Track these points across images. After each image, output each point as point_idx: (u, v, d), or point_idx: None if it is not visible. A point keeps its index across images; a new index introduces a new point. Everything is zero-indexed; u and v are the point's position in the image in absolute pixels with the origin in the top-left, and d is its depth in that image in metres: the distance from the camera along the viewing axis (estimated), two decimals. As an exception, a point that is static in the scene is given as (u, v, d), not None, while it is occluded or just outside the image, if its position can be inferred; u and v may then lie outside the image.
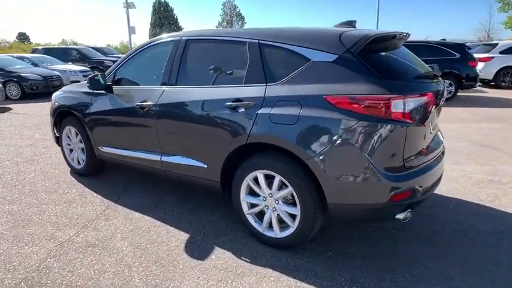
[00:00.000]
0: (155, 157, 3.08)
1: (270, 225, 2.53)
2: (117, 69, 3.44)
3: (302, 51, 2.32)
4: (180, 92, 2.85)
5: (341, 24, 2.82)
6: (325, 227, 2.67)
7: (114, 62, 13.59)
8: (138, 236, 2.73)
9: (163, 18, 45.46)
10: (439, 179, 2.57)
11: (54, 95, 4.14)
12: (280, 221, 2.49)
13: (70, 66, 13.74)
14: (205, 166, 2.74)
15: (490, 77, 11.70)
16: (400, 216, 2.16)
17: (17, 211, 3.15)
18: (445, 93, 2.65)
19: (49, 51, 16.82)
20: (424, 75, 2.41)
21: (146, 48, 3.30)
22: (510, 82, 11.71)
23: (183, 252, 2.51)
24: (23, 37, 63.34)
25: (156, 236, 2.74)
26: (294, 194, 2.31)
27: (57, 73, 11.77)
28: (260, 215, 2.60)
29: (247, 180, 2.54)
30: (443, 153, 2.70)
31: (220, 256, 2.46)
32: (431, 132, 2.47)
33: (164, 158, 3.01)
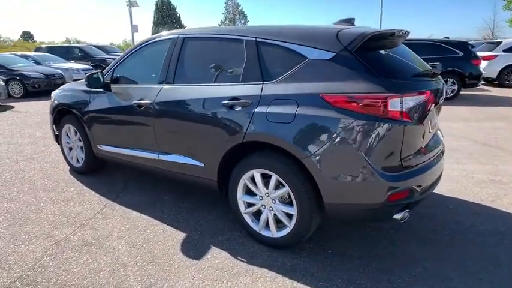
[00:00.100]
0: (152, 156, 3.07)
1: (267, 225, 2.51)
2: (115, 68, 3.43)
3: (299, 49, 2.29)
4: (177, 91, 2.84)
5: (340, 22, 2.79)
6: (322, 226, 2.65)
7: (116, 60, 13.58)
8: (135, 235, 2.72)
9: (166, 16, 45.50)
10: (439, 178, 2.53)
11: (54, 93, 4.14)
12: (277, 221, 2.46)
13: (72, 65, 13.79)
14: (202, 165, 2.72)
15: (494, 75, 11.59)
16: (397, 216, 2.13)
17: (15, 209, 3.15)
18: (445, 92, 2.61)
19: (52, 49, 16.87)
20: (423, 74, 2.38)
21: (144, 46, 3.28)
22: (514, 81, 11.62)
23: (179, 251, 2.50)
24: (27, 36, 63.64)
25: (152, 235, 2.72)
26: (291, 193, 2.29)
27: (60, 71, 11.82)
28: (257, 215, 2.58)
29: (244, 180, 2.52)
30: (442, 152, 2.67)
31: (217, 256, 2.44)
32: (430, 131, 2.44)
33: (161, 157, 3.00)
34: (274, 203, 2.43)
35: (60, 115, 4.04)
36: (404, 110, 2.02)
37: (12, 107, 8.97)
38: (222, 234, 2.72)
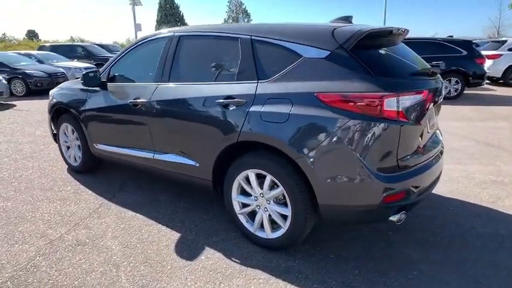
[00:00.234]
0: (148, 155, 3.04)
1: (262, 226, 2.47)
2: (111, 66, 3.41)
3: (294, 48, 2.25)
4: (173, 89, 2.81)
5: (337, 20, 2.74)
6: (318, 227, 2.60)
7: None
8: (129, 235, 2.70)
9: (169, 15, 45.52)
10: (437, 179, 2.48)
11: (52, 92, 4.13)
12: (272, 222, 2.43)
13: (75, 63, 13.81)
14: (197, 165, 2.69)
15: (499, 74, 11.45)
16: (393, 218, 2.09)
17: (10, 208, 3.14)
18: (444, 91, 2.56)
19: (55, 48, 16.92)
20: (421, 72, 2.33)
21: (140, 44, 3.26)
22: (519, 80, 11.48)
23: (172, 252, 2.47)
24: (32, 34, 63.95)
25: (147, 235, 2.70)
26: (285, 194, 2.25)
27: (62, 70, 11.84)
28: (252, 215, 2.55)
29: (239, 180, 2.49)
30: (441, 152, 2.61)
31: (210, 257, 2.41)
32: (428, 131, 2.39)
33: (157, 156, 2.97)
34: (268, 204, 2.39)
35: (58, 114, 4.02)
36: (400, 109, 1.98)
37: (14, 106, 8.99)
38: (217, 234, 2.69)
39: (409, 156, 2.14)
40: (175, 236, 2.68)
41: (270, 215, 2.41)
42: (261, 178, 2.39)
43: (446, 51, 9.08)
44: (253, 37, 2.44)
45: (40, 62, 12.80)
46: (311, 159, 2.08)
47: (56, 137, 4.20)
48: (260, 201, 2.43)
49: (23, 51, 15.25)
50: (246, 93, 2.35)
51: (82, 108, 3.56)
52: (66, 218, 2.96)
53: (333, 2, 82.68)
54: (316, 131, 2.06)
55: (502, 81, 11.66)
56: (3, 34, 58.50)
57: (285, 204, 2.30)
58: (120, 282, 2.16)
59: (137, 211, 3.08)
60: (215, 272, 2.24)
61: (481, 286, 2.09)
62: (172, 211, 3.08)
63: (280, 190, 2.28)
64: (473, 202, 3.18)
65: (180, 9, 47.15)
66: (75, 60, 15.17)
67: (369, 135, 1.97)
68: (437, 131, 2.77)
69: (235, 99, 2.37)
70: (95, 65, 14.76)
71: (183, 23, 45.86)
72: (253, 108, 2.28)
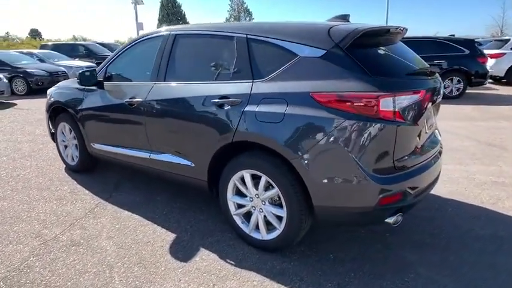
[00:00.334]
0: (144, 155, 3.02)
1: (257, 227, 2.45)
2: (108, 65, 3.39)
3: (290, 46, 2.22)
4: (168, 89, 2.78)
5: (334, 18, 2.71)
6: (315, 228, 2.58)
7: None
8: (124, 235, 2.68)
9: (171, 14, 45.48)
10: (435, 180, 2.45)
11: (50, 91, 4.12)
12: (267, 223, 2.40)
13: (76, 62, 13.83)
14: (192, 165, 2.66)
15: (502, 73, 11.35)
16: (389, 220, 2.05)
17: (6, 208, 3.13)
18: (442, 91, 2.52)
19: (57, 47, 16.94)
20: (419, 72, 2.29)
21: (137, 43, 3.23)
22: (522, 79, 11.38)
23: (167, 253, 2.45)
24: (35, 33, 64.15)
25: (142, 235, 2.68)
26: (280, 195, 2.22)
27: (63, 69, 11.85)
28: (247, 216, 2.52)
29: (234, 180, 2.46)
30: (440, 152, 2.57)
31: (205, 258, 2.39)
32: (426, 132, 2.35)
33: (153, 156, 2.95)
34: (264, 205, 2.36)
35: (56, 113, 4.01)
36: (397, 109, 1.94)
37: (15, 104, 9.01)
38: (213, 235, 2.66)
39: (406, 157, 2.11)
40: (171, 236, 2.66)
41: (265, 216, 2.38)
42: (256, 179, 2.37)
43: (448, 50, 9.01)
44: (248, 36, 2.41)
45: (41, 60, 12.81)
46: (306, 160, 2.05)
47: (53, 136, 4.19)
48: (255, 202, 2.40)
49: (25, 50, 15.29)
50: (241, 92, 2.32)
51: (79, 108, 3.54)
52: (62, 218, 2.94)
53: (334, 1, 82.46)
54: (311, 131, 2.03)
55: (504, 80, 11.56)
56: (7, 33, 58.80)
57: (280, 206, 2.27)
58: (113, 284, 2.14)
59: (133, 211, 3.06)
60: (209, 274, 2.22)
61: (478, 289, 2.06)
62: (168, 211, 3.06)
63: (275, 191, 2.25)
64: (473, 203, 3.14)
65: (181, 8, 47.11)
66: (77, 59, 15.18)
67: (365, 135, 1.94)
68: (436, 131, 2.74)
69: (230, 99, 2.35)
70: (96, 63, 14.75)
71: (185, 22, 45.83)
72: (248, 108, 2.26)
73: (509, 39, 11.68)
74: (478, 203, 3.14)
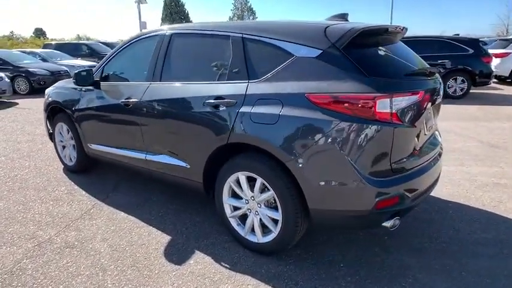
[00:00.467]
0: (140, 155, 2.99)
1: (253, 230, 2.41)
2: (105, 65, 3.36)
3: (286, 46, 2.18)
4: (164, 89, 2.75)
5: (333, 17, 2.66)
6: (313, 231, 2.54)
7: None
8: (119, 237, 2.65)
9: (175, 13, 45.50)
10: (435, 182, 2.40)
11: (47, 91, 4.11)
12: (263, 226, 2.36)
13: (79, 62, 13.85)
14: (188, 166, 2.63)
15: (506, 73, 11.21)
16: (386, 224, 2.01)
17: (2, 209, 3.11)
18: (442, 91, 2.46)
19: (60, 46, 16.99)
20: (418, 72, 2.24)
21: (133, 42, 3.20)
22: (528, 79, 11.24)
23: (161, 255, 2.42)
24: (39, 33, 64.40)
25: (137, 237, 2.65)
26: (276, 197, 2.18)
27: (65, 68, 11.86)
28: (243, 219, 2.48)
29: (230, 182, 2.42)
30: (440, 154, 2.52)
31: (199, 261, 2.35)
32: (426, 133, 2.30)
33: (149, 157, 2.92)
34: (259, 207, 2.32)
35: (54, 113, 4.00)
36: (394, 111, 1.90)
37: (17, 104, 9.03)
38: (208, 237, 2.63)
39: (404, 160, 2.06)
40: (166, 238, 2.62)
41: (261, 219, 2.34)
42: (252, 181, 2.33)
43: (452, 49, 8.91)
44: (244, 35, 2.37)
45: (44, 60, 12.84)
46: (301, 163, 2.00)
47: (51, 136, 4.17)
48: (251, 204, 2.36)
49: (28, 50, 15.34)
50: (236, 93, 2.28)
51: (76, 108, 3.52)
52: (57, 219, 2.92)
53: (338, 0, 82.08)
54: (306, 133, 1.99)
55: (510, 80, 11.43)
56: (11, 32, 59.03)
57: (276, 208, 2.23)
58: (105, 287, 2.11)
59: (129, 212, 3.03)
60: (203, 278, 2.19)
61: (478, 295, 2.01)
62: (164, 213, 3.03)
63: (270, 193, 2.21)
64: (473, 206, 3.08)
65: (185, 7, 47.12)
66: (79, 58, 15.20)
67: (361, 138, 1.89)
68: (436, 132, 2.68)
69: (226, 100, 2.31)
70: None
71: (188, 21, 45.84)
72: (243, 109, 2.22)
73: (514, 39, 11.55)
74: (479, 206, 3.08)
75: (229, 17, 53.36)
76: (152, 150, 2.89)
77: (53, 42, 19.51)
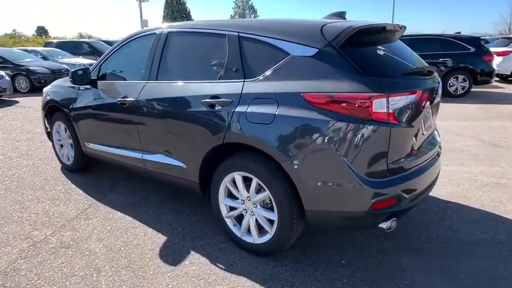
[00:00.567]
0: (137, 155, 2.97)
1: (249, 230, 2.39)
2: (102, 63, 3.34)
3: (282, 45, 2.15)
4: (160, 88, 2.72)
5: (330, 16, 2.63)
6: (309, 232, 2.52)
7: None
8: (115, 237, 2.63)
9: (176, 11, 45.43)
10: (433, 183, 2.37)
11: (45, 89, 4.09)
12: (259, 226, 2.34)
13: (80, 60, 13.82)
14: (184, 166, 2.61)
15: (508, 72, 11.14)
16: (383, 225, 1.98)
17: (-2, 208, 3.11)
18: (440, 90, 2.43)
19: (61, 44, 16.98)
20: (416, 72, 2.21)
21: (130, 41, 3.17)
22: (530, 77, 11.16)
23: (156, 256, 2.40)
24: (41, 31, 64.44)
25: (132, 237, 2.63)
26: (271, 198, 2.16)
27: (66, 66, 11.82)
28: (239, 219, 2.46)
29: (225, 182, 2.40)
30: (438, 154, 2.49)
31: (195, 262, 2.33)
32: (424, 133, 2.26)
33: (145, 156, 2.90)
34: (255, 208, 2.30)
35: (52, 111, 3.98)
36: (390, 111, 1.87)
37: (17, 102, 9.02)
38: (204, 238, 2.61)
39: (401, 160, 2.03)
40: (161, 239, 2.61)
41: (257, 220, 2.32)
42: (248, 181, 2.30)
43: (453, 48, 8.86)
44: (240, 34, 2.34)
45: (45, 58, 12.82)
46: (297, 163, 1.98)
47: (49, 134, 4.16)
48: (247, 204, 2.34)
49: (29, 48, 15.34)
50: (231, 92, 2.25)
51: (73, 106, 3.50)
52: (53, 219, 2.91)
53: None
54: (302, 133, 1.96)
55: (511, 78, 11.35)
56: (14, 30, 59.07)
57: (272, 209, 2.21)
58: (99, 288, 2.09)
59: (126, 212, 3.01)
60: (198, 279, 2.17)
61: (476, 298, 1.98)
62: (161, 212, 3.01)
63: (266, 194, 2.19)
64: (473, 206, 3.05)
65: (186, 5, 47.04)
66: (80, 56, 15.19)
67: (357, 138, 1.87)
68: (435, 131, 2.65)
69: (221, 99, 2.28)
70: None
71: (190, 19, 45.78)
72: (238, 109, 2.19)
73: (516, 37, 11.46)
74: (479, 206, 3.05)
75: (231, 15, 53.24)
76: (148, 149, 2.87)
77: (54, 41, 19.51)
